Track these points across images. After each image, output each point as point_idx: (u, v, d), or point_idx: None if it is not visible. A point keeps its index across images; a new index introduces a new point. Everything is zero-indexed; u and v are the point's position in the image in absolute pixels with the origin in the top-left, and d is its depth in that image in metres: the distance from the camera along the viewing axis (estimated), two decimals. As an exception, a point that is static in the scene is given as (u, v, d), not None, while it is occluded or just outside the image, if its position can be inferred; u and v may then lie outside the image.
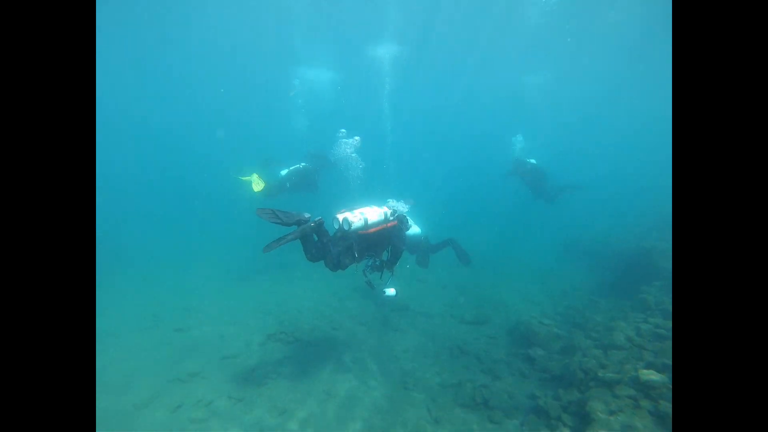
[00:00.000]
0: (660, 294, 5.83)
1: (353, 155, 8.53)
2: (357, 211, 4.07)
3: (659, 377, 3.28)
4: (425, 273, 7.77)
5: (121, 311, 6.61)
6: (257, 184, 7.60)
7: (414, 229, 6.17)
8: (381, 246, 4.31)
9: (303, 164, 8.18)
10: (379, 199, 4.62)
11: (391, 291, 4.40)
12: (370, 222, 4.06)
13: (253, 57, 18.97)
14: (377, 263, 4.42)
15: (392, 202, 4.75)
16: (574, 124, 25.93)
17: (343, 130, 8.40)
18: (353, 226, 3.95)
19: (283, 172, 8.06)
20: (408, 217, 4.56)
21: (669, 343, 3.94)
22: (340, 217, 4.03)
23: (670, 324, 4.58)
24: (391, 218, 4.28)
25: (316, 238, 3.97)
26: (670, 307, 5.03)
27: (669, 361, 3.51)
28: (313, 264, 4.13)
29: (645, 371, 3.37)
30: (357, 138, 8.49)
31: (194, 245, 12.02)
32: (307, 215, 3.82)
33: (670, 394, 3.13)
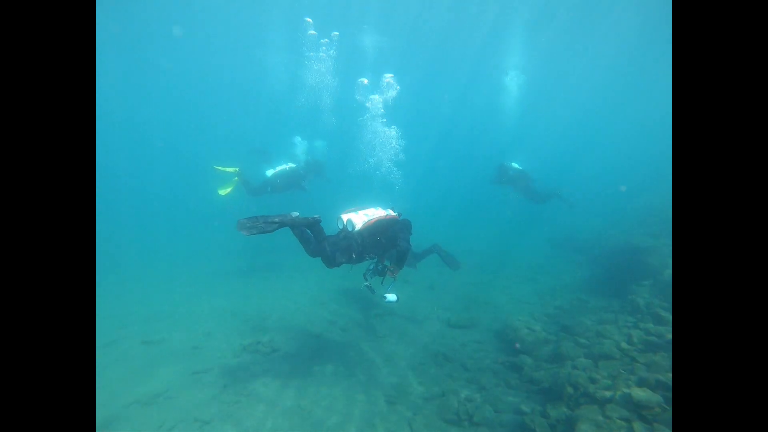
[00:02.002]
0: (649, 295, 5.67)
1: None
2: (361, 213, 4.11)
3: (653, 396, 3.07)
4: (413, 274, 7.51)
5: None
6: (224, 189, 7.15)
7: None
8: (383, 245, 4.20)
9: (290, 165, 7.74)
10: (375, 201, 4.57)
11: (391, 297, 4.26)
12: (370, 218, 4.07)
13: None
14: (379, 267, 4.32)
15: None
16: (563, 122, 25.82)
17: (298, 138, 7.98)
18: (356, 228, 3.96)
19: (269, 173, 7.60)
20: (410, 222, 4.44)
21: (662, 354, 3.75)
22: (345, 217, 4.06)
23: (661, 329, 4.41)
24: (394, 213, 4.27)
25: (310, 233, 3.91)
26: (660, 311, 4.86)
27: (662, 377, 3.31)
28: (299, 265, 4.04)
29: (638, 389, 3.15)
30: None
31: (181, 246, 11.56)
32: (294, 214, 3.65)
33: (665, 416, 2.93)
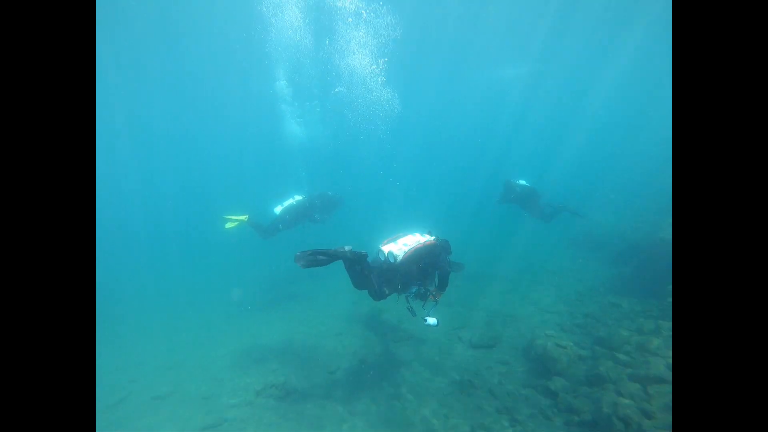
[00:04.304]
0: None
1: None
2: (400, 242, 4.18)
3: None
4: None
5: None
6: (230, 224, 7.07)
7: None
8: (425, 271, 4.26)
9: (297, 198, 7.59)
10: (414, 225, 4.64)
11: (432, 320, 4.21)
12: (410, 247, 4.12)
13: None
14: (422, 291, 4.36)
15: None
16: (563, 115, 25.18)
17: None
18: (398, 259, 4.01)
19: (277, 210, 7.49)
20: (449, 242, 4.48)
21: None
22: (386, 249, 4.12)
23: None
24: (432, 239, 4.29)
25: (359, 269, 4.00)
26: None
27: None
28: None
29: None
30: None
31: (191, 285, 11.44)
32: (347, 248, 3.85)
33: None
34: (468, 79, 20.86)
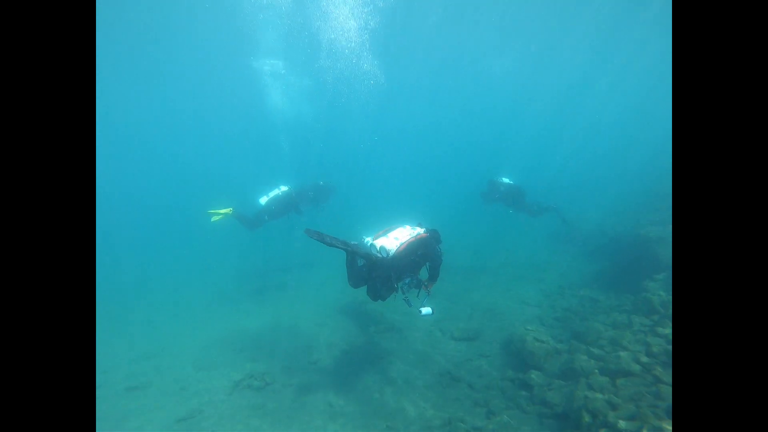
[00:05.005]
0: (665, 292, 5.26)
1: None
2: (391, 236, 4.15)
3: None
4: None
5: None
6: (217, 214, 6.91)
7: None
8: (417, 264, 4.29)
9: (283, 188, 7.42)
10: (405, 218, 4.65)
11: (427, 310, 4.27)
12: (402, 242, 4.10)
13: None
14: (414, 281, 4.39)
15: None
16: (550, 110, 25.25)
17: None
18: (391, 253, 3.98)
19: (262, 201, 7.33)
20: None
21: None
22: (377, 243, 4.08)
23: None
24: (423, 231, 4.29)
25: (361, 263, 4.05)
26: (679, 312, 4.46)
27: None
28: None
29: (669, 426, 2.76)
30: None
31: (174, 273, 11.20)
32: (353, 242, 3.98)
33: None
34: (459, 72, 20.68)
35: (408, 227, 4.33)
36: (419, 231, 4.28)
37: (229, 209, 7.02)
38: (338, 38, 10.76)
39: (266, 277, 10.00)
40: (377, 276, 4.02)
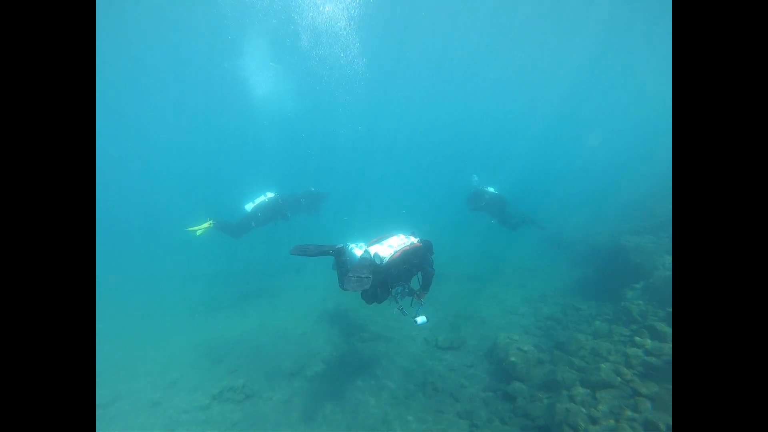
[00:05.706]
0: (643, 302, 5.38)
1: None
2: (386, 244, 4.17)
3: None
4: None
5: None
6: (200, 229, 6.69)
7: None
8: (409, 272, 4.30)
9: (269, 195, 7.24)
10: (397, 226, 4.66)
11: (422, 319, 4.27)
12: (396, 249, 4.13)
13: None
14: (407, 290, 4.40)
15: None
16: (539, 117, 25.75)
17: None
18: (385, 261, 3.99)
19: (248, 207, 7.13)
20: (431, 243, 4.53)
21: (665, 387, 3.41)
22: (372, 250, 4.09)
23: (660, 346, 4.09)
24: (416, 240, 4.32)
25: (350, 266, 4.03)
26: (656, 323, 4.56)
27: (669, 418, 2.96)
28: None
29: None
30: None
31: (157, 281, 10.80)
32: (339, 245, 4.02)
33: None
34: (450, 75, 20.85)
35: (402, 236, 4.36)
36: (413, 240, 4.31)
37: (208, 222, 6.80)
38: (318, 18, 10.61)
39: (245, 283, 9.78)
40: (375, 281, 4.00)
